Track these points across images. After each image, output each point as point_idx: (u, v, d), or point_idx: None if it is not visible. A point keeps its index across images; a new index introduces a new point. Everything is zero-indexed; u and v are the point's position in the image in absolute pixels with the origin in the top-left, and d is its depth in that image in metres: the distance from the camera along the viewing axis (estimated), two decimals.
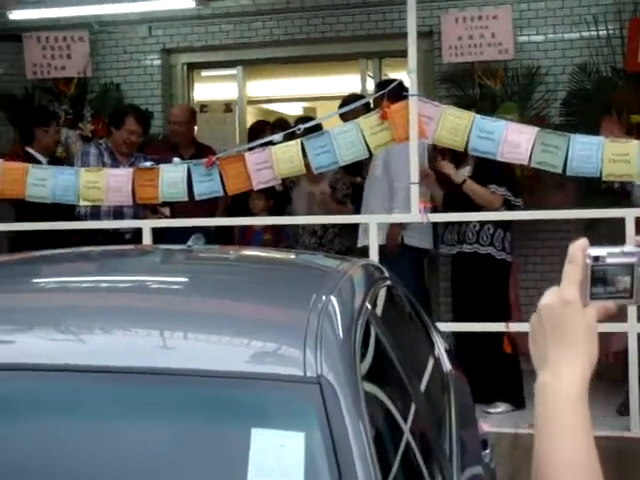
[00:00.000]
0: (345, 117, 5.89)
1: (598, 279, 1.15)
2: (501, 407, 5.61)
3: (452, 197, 5.83)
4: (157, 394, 1.80)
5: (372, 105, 5.95)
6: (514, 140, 5.12)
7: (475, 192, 5.66)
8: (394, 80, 5.75)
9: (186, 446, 1.74)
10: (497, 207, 5.68)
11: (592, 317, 1.14)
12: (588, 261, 1.15)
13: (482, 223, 5.69)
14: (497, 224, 5.70)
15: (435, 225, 6.05)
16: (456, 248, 5.86)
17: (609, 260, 1.16)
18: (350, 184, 6.46)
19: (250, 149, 5.66)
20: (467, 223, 5.73)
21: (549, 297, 1.16)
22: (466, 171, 5.82)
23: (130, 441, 1.77)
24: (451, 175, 5.80)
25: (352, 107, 5.78)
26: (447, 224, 5.89)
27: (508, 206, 5.73)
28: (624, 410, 5.15)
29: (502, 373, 5.56)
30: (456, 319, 5.80)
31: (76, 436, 1.77)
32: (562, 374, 1.12)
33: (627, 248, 1.17)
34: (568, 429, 1.10)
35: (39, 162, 6.29)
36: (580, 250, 1.16)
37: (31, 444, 1.76)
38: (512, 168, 5.71)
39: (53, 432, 1.79)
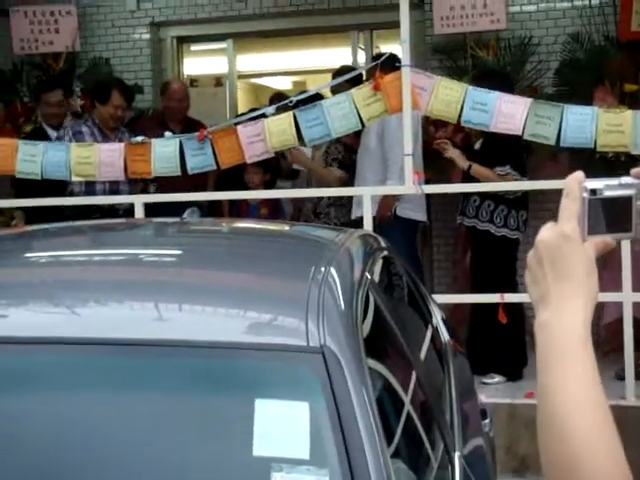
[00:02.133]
0: (336, 90, 5.85)
1: (596, 213, 1.10)
2: (496, 378, 5.62)
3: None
4: (161, 366, 1.78)
5: (365, 78, 5.91)
6: (508, 112, 5.09)
7: (482, 176, 5.58)
8: (387, 53, 5.71)
9: (191, 418, 1.72)
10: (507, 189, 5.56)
11: (591, 252, 1.09)
12: (585, 195, 1.09)
13: (482, 198, 5.61)
14: (498, 200, 5.59)
15: (429, 197, 6.01)
16: (458, 220, 5.87)
17: (606, 193, 1.10)
18: (343, 149, 6.39)
19: (240, 123, 5.61)
20: (468, 197, 5.66)
21: (546, 233, 1.10)
22: (477, 144, 5.78)
23: (133, 414, 1.75)
24: (455, 160, 5.75)
25: (343, 79, 5.73)
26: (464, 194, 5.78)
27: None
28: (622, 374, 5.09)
29: (497, 344, 5.55)
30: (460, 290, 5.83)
31: (74, 410, 1.75)
32: (565, 310, 1.07)
33: (625, 180, 1.11)
34: (576, 364, 1.04)
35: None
36: (576, 183, 1.10)
37: (27, 417, 1.74)
38: (520, 145, 5.60)
39: (49, 406, 1.77)
